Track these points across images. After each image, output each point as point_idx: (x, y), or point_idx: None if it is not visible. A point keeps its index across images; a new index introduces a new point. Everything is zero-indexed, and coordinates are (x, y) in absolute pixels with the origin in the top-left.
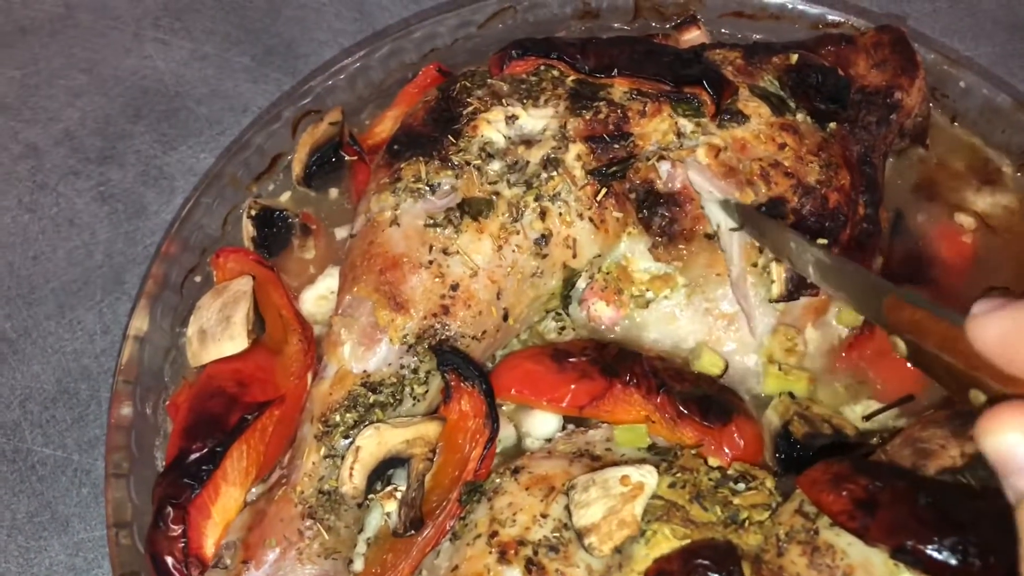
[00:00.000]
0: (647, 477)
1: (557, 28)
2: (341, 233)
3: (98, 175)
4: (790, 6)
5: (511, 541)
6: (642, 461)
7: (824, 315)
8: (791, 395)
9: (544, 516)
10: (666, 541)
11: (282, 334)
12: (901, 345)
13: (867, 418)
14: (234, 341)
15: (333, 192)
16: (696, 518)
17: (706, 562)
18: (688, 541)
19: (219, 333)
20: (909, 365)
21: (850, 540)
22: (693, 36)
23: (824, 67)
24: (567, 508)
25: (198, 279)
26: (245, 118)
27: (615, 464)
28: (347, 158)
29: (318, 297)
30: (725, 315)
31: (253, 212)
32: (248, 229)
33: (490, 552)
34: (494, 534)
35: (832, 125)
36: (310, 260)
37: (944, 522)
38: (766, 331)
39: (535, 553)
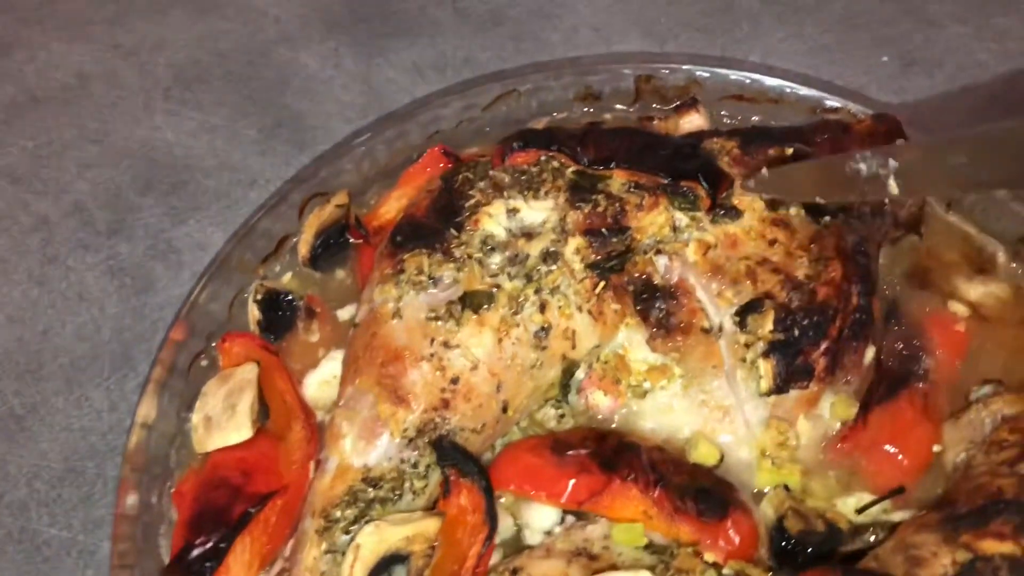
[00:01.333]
0: None
1: (561, 110)
2: (344, 315)
3: (107, 248)
4: (788, 90)
5: None
6: (638, 562)
7: (815, 407)
8: (786, 488)
9: None
10: None
11: (286, 421)
12: None
13: (860, 511)
14: (239, 431)
15: (339, 273)
16: None
17: None
18: None
19: (224, 422)
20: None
21: None
22: (692, 119)
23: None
24: None
25: (204, 363)
26: (252, 191)
27: (612, 565)
28: (352, 240)
29: (321, 382)
30: (721, 407)
31: (259, 296)
32: (254, 313)
33: None
34: None
35: (827, 218)
36: (315, 343)
37: None
38: (758, 424)
39: None
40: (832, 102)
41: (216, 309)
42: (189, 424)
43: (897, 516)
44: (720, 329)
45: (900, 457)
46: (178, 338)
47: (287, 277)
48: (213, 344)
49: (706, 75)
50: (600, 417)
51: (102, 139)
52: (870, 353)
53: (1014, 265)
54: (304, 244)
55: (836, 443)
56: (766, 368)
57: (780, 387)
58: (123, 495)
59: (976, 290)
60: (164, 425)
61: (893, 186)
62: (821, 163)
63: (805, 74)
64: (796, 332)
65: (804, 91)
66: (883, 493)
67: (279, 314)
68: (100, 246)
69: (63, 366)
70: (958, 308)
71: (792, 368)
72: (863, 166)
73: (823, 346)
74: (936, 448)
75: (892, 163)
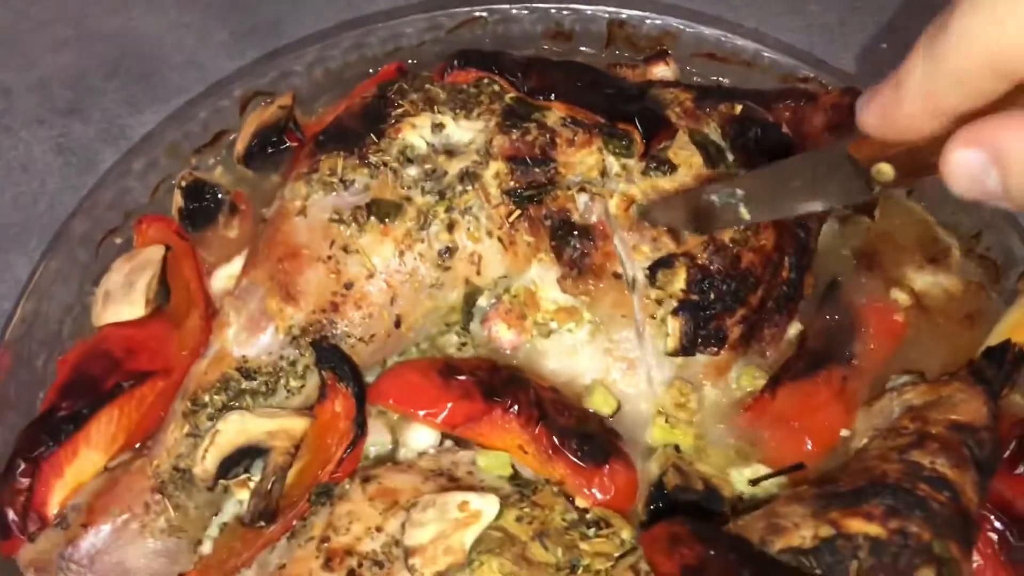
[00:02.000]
0: (486, 506)
1: (526, 46)
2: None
3: (61, 126)
4: (765, 55)
5: (339, 549)
6: (497, 491)
7: (725, 375)
8: (676, 448)
9: (379, 529)
10: (491, 574)
11: (185, 308)
12: (887, 167)
13: (754, 482)
14: (132, 307)
15: (273, 177)
16: (532, 556)
17: None
18: None
19: (120, 297)
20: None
21: None
22: (661, 71)
23: (767, 122)
24: (404, 525)
25: (119, 241)
26: None
27: (471, 489)
28: (289, 144)
29: (229, 276)
30: (626, 359)
31: (184, 183)
32: (177, 200)
33: (317, 556)
34: (325, 539)
35: None
36: (233, 239)
37: None
38: (662, 382)
39: (359, 565)
40: (806, 71)
41: (139, 189)
42: (91, 297)
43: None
44: (633, 282)
45: (804, 436)
46: (90, 209)
47: (218, 171)
48: (131, 224)
49: (680, 27)
50: (502, 351)
51: (79, 22)
52: (793, 328)
53: (966, 260)
54: (241, 141)
55: (741, 411)
56: (673, 327)
57: (686, 348)
58: (1, 353)
59: (924, 279)
60: (63, 294)
61: (744, 213)
62: (685, 197)
63: (783, 41)
64: (712, 296)
65: (778, 56)
66: (778, 469)
67: (202, 205)
68: (55, 123)
69: None
70: (900, 297)
71: (703, 332)
72: (715, 198)
73: (739, 314)
74: (844, 432)
75: (739, 192)
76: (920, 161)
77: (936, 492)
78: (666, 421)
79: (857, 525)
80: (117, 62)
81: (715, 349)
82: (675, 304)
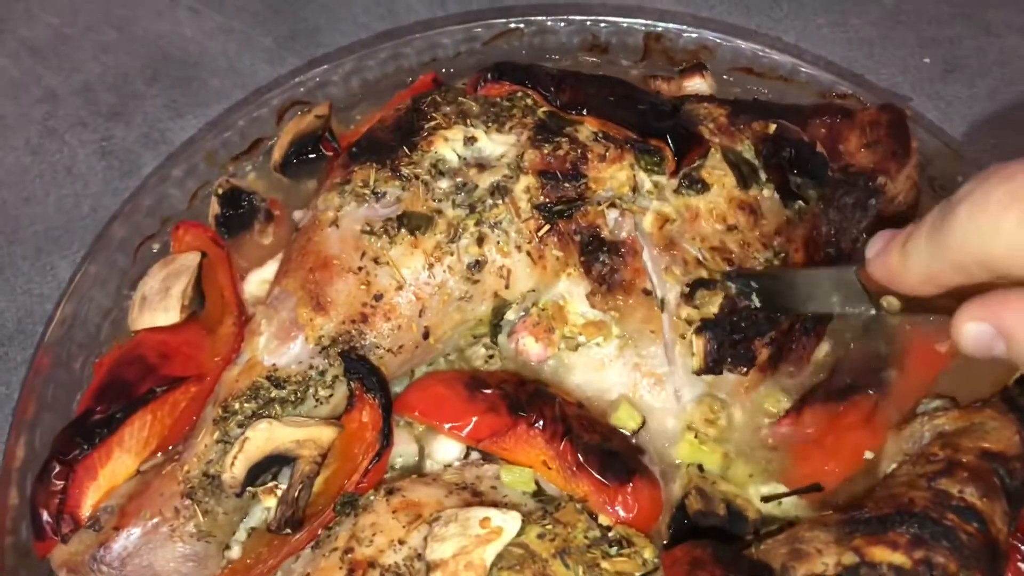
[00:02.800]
0: (508, 523)
1: (562, 58)
2: None
3: (104, 130)
4: (802, 70)
5: (363, 560)
6: (520, 507)
7: (752, 394)
8: (700, 468)
9: (402, 542)
10: None
11: (219, 315)
12: (895, 301)
13: (766, 500)
14: (167, 313)
15: (308, 184)
16: (553, 574)
17: None
18: None
19: (156, 303)
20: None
21: None
22: (696, 84)
23: (800, 142)
24: (426, 539)
25: (156, 247)
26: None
27: (494, 504)
28: (325, 153)
29: (262, 280)
30: (653, 374)
31: (221, 190)
32: (213, 206)
33: (340, 567)
34: (349, 550)
35: (802, 203)
36: (267, 246)
37: None
38: (690, 399)
39: None
40: (844, 88)
41: (177, 195)
42: (128, 302)
43: (809, 514)
44: (663, 302)
45: (827, 456)
46: (129, 215)
47: (251, 177)
48: (168, 230)
49: (717, 41)
50: (529, 364)
51: (123, 27)
52: (821, 350)
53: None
54: (278, 149)
55: (769, 430)
56: (698, 345)
57: (711, 367)
58: (40, 355)
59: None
60: (101, 298)
61: (756, 301)
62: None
63: (822, 56)
64: (742, 323)
65: (816, 72)
66: (794, 489)
67: (238, 211)
68: (98, 126)
69: (37, 234)
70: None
71: (732, 352)
72: (732, 284)
73: (769, 336)
74: (868, 455)
75: (754, 284)
76: (925, 303)
77: (964, 522)
78: (695, 437)
79: (881, 553)
80: (160, 67)
81: (744, 369)
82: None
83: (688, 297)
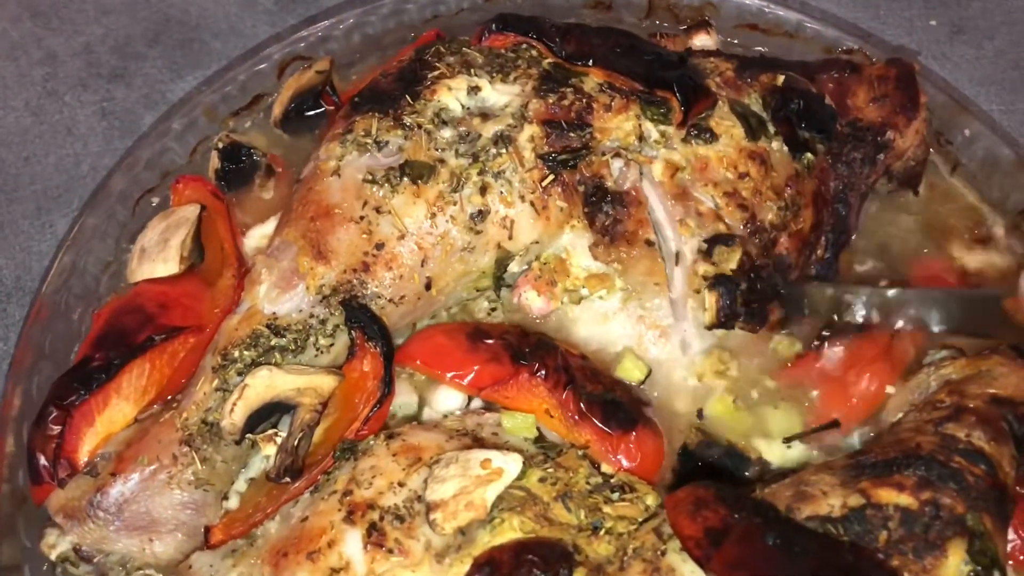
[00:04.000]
0: (509, 464)
1: (566, 15)
2: None
3: (105, 91)
4: (808, 25)
5: (362, 502)
6: (521, 451)
7: (763, 347)
8: (699, 414)
9: (401, 485)
10: (511, 532)
11: (219, 267)
12: None
13: (787, 440)
14: (167, 264)
15: (309, 140)
16: (554, 517)
17: (536, 559)
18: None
19: (155, 254)
20: None
21: (693, 568)
22: (702, 41)
23: (808, 93)
24: (426, 481)
25: (155, 201)
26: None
27: (495, 448)
28: (325, 107)
29: (263, 235)
30: (658, 326)
31: (221, 144)
32: (214, 160)
33: (339, 509)
34: (348, 493)
35: (810, 156)
36: (268, 201)
37: (786, 566)
38: (699, 351)
39: (380, 518)
40: (850, 42)
41: (177, 149)
42: (128, 254)
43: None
44: (678, 256)
45: (849, 392)
46: (129, 168)
47: (255, 134)
48: (168, 184)
49: None
50: (532, 318)
51: None
52: None
53: (1012, 239)
54: (279, 104)
55: (788, 366)
56: (711, 301)
57: (723, 323)
58: (37, 305)
59: (975, 258)
60: (100, 250)
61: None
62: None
63: (827, 12)
64: (758, 284)
65: (822, 28)
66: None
67: (238, 166)
68: (99, 88)
69: (36, 192)
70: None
71: (746, 310)
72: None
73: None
74: (890, 389)
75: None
76: None
77: (971, 465)
78: (699, 380)
79: (887, 495)
80: (161, 29)
81: (753, 325)
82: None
83: (707, 254)
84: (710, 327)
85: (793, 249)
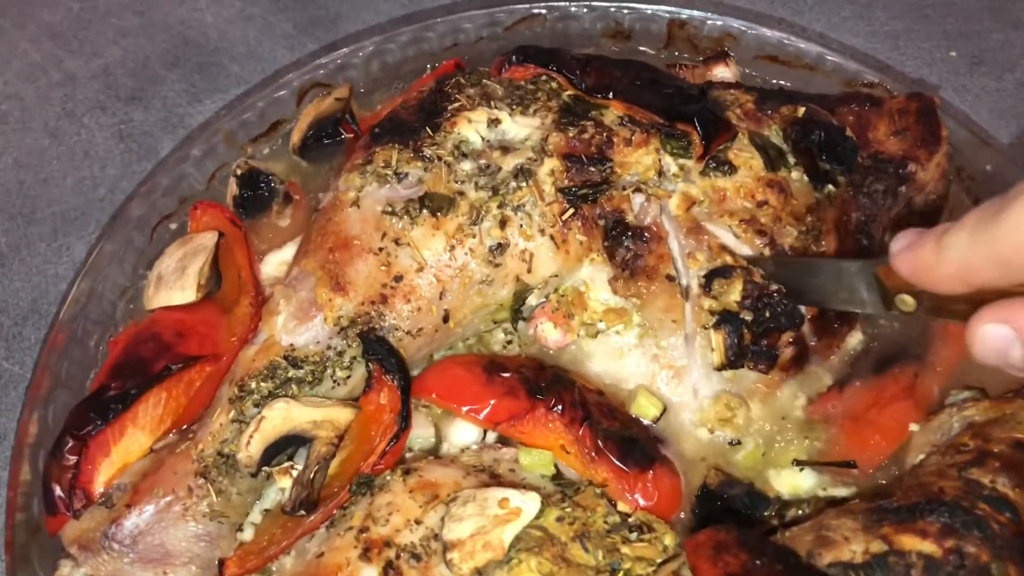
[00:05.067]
0: (527, 504)
1: (585, 44)
2: None
3: (123, 113)
4: (828, 58)
5: (378, 540)
6: (538, 489)
7: (775, 392)
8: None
9: (418, 522)
10: (528, 573)
11: (236, 295)
12: (910, 300)
13: (797, 463)
14: (184, 292)
15: (328, 168)
16: (572, 557)
17: None
18: None
19: (172, 282)
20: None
21: None
22: (721, 72)
23: (830, 125)
24: (443, 519)
25: (173, 227)
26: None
27: (512, 486)
28: (344, 135)
29: (280, 262)
30: (672, 366)
31: (239, 171)
32: (232, 187)
33: (355, 546)
34: (364, 529)
35: (831, 187)
36: (285, 228)
37: None
38: (708, 395)
39: (397, 556)
40: (871, 76)
41: (195, 175)
42: (144, 281)
43: (833, 491)
44: (687, 291)
45: (872, 431)
46: (147, 194)
47: (270, 159)
48: (185, 209)
49: (742, 29)
50: (547, 350)
51: (144, 11)
52: (853, 338)
53: None
54: (298, 132)
55: (810, 407)
56: (717, 340)
57: (732, 362)
58: (54, 332)
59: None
60: (117, 276)
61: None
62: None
63: (846, 44)
64: (767, 313)
65: (842, 60)
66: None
67: (256, 193)
68: (117, 110)
69: (54, 215)
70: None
71: (754, 348)
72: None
73: (793, 334)
74: (913, 427)
75: (760, 272)
76: (943, 306)
77: (996, 512)
78: (710, 432)
79: (911, 542)
80: (179, 52)
81: (764, 367)
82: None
83: (706, 287)
84: (719, 368)
85: None
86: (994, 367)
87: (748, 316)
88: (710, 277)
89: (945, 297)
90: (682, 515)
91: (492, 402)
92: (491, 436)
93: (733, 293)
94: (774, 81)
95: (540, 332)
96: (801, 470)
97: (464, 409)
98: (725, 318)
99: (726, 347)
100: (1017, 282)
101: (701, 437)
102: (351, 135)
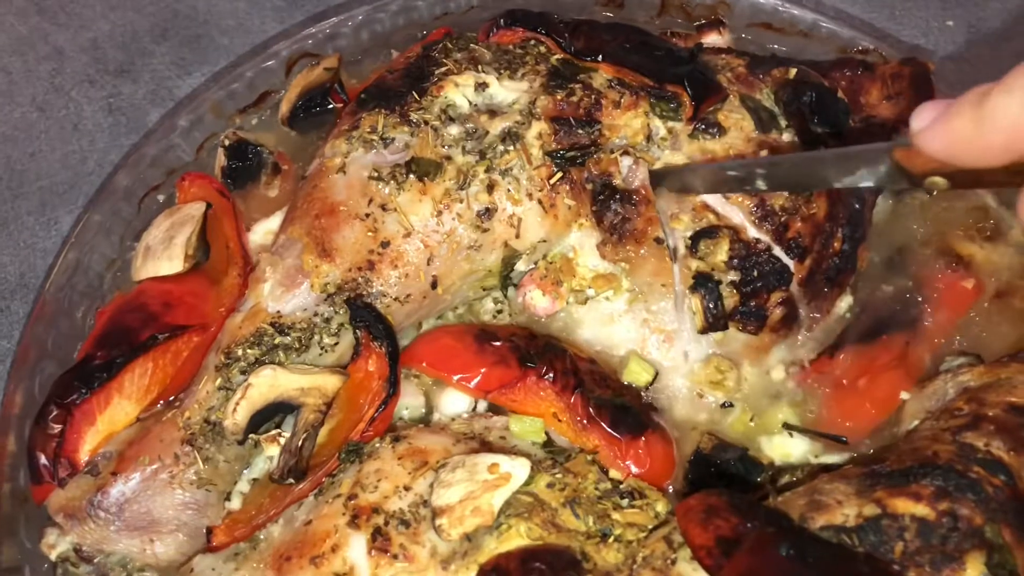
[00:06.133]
0: (517, 469)
1: (579, 12)
2: None
3: (111, 87)
4: (823, 24)
5: (366, 506)
6: (529, 456)
7: (764, 356)
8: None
9: (407, 489)
10: (518, 538)
11: (224, 265)
12: (941, 180)
13: (787, 427)
14: (171, 262)
15: (316, 137)
16: (562, 523)
17: (543, 566)
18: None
19: (160, 252)
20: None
21: None
22: (714, 40)
23: (821, 87)
24: (432, 485)
25: (161, 198)
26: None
27: (502, 452)
28: (333, 105)
29: (268, 231)
30: (663, 330)
31: (228, 142)
32: (220, 158)
33: (343, 513)
34: (353, 496)
35: (822, 148)
36: (274, 199)
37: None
38: (697, 358)
39: (385, 523)
40: (866, 43)
41: (183, 146)
42: (132, 252)
43: (825, 459)
44: (674, 252)
45: (863, 399)
46: (134, 165)
47: (262, 131)
48: (173, 180)
49: None
50: (537, 318)
51: None
52: (844, 302)
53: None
54: (286, 102)
55: (805, 370)
56: (696, 303)
57: (713, 324)
58: (40, 303)
59: (987, 257)
60: (105, 247)
61: (761, 184)
62: (704, 168)
63: (841, 10)
64: (755, 272)
65: (837, 27)
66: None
67: (245, 163)
68: (105, 84)
69: (42, 188)
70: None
71: (743, 309)
72: (734, 173)
73: (782, 294)
74: (904, 395)
75: (759, 171)
76: (976, 177)
77: (991, 475)
78: (699, 396)
79: (904, 505)
80: (168, 25)
81: (753, 328)
82: (695, 280)
83: (692, 249)
84: (702, 331)
85: (807, 234)
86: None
87: (736, 276)
88: (696, 238)
89: (984, 169)
90: (672, 487)
91: (483, 371)
92: (482, 406)
93: (720, 253)
94: (770, 47)
95: (529, 300)
96: (792, 435)
97: (455, 378)
98: (699, 280)
99: (704, 309)
100: None
101: (693, 401)
102: (340, 105)
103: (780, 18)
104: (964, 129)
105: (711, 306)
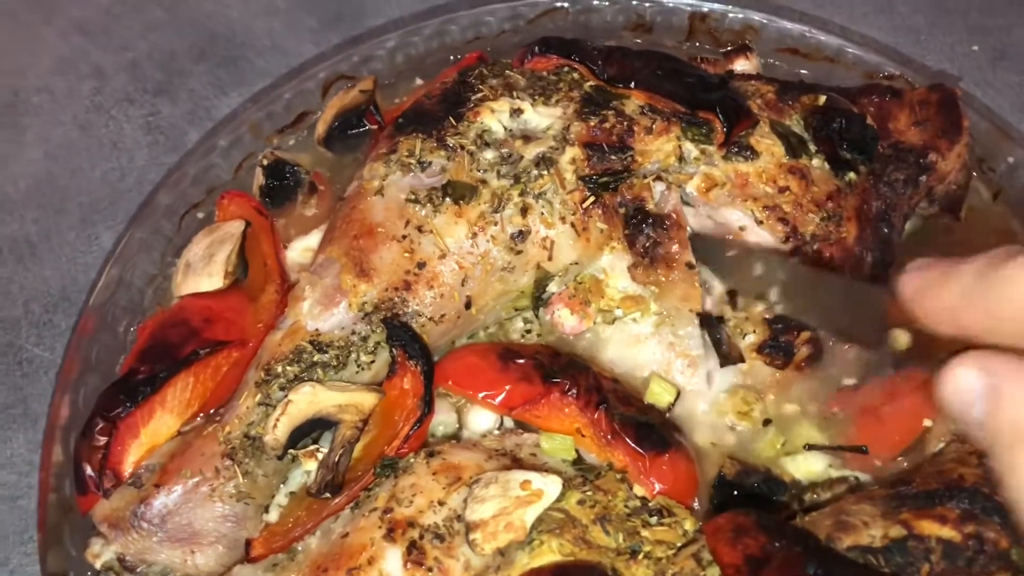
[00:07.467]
0: (549, 486)
1: (607, 37)
2: None
3: (150, 106)
4: (849, 50)
5: (402, 520)
6: (560, 473)
7: (787, 392)
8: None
9: (441, 503)
10: (550, 554)
11: (262, 282)
12: (904, 337)
13: (808, 447)
14: (211, 279)
15: (351, 159)
16: (593, 540)
17: None
18: (572, 559)
19: (200, 269)
20: None
21: None
22: (741, 65)
23: (851, 113)
24: (466, 500)
25: (201, 216)
26: None
27: (534, 469)
28: (369, 127)
29: (305, 248)
30: (688, 355)
31: (266, 161)
32: (258, 177)
33: (379, 526)
34: (389, 510)
35: (853, 176)
36: (310, 217)
37: None
38: (722, 388)
39: (420, 537)
40: (892, 68)
41: (222, 166)
42: (173, 268)
43: (846, 472)
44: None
45: (888, 423)
46: (175, 184)
47: (299, 151)
48: (213, 199)
49: (763, 22)
50: (564, 336)
51: (171, 6)
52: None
53: None
54: (323, 123)
55: (825, 402)
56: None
57: (725, 358)
58: (84, 318)
59: None
60: (146, 264)
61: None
62: None
63: (867, 36)
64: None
65: (863, 53)
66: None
67: (282, 183)
68: (144, 103)
69: (83, 205)
70: None
71: (772, 344)
72: None
73: (810, 335)
74: (927, 423)
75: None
76: (932, 353)
77: None
78: (729, 427)
79: (930, 527)
80: (206, 46)
81: (780, 363)
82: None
83: (732, 305)
84: (722, 364)
85: (840, 258)
86: (952, 416)
87: (769, 314)
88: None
89: (935, 343)
90: (696, 506)
91: (507, 388)
92: (508, 423)
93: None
94: (796, 72)
95: (557, 318)
96: (810, 451)
97: (480, 395)
98: (703, 320)
99: (714, 342)
100: (1007, 343)
101: (716, 427)
102: (375, 126)
103: (807, 43)
104: (930, 283)
105: (717, 339)
